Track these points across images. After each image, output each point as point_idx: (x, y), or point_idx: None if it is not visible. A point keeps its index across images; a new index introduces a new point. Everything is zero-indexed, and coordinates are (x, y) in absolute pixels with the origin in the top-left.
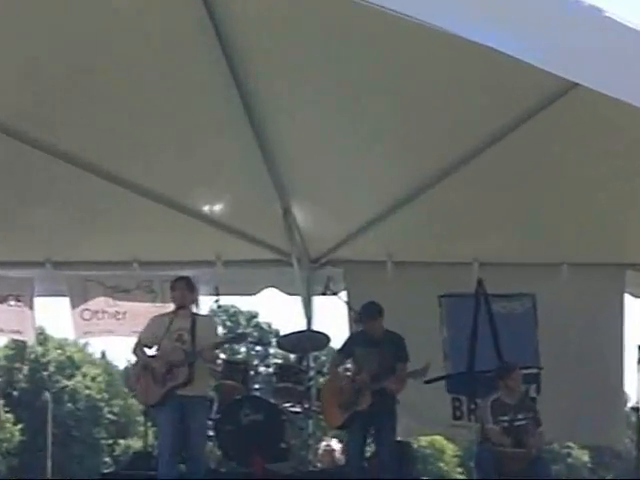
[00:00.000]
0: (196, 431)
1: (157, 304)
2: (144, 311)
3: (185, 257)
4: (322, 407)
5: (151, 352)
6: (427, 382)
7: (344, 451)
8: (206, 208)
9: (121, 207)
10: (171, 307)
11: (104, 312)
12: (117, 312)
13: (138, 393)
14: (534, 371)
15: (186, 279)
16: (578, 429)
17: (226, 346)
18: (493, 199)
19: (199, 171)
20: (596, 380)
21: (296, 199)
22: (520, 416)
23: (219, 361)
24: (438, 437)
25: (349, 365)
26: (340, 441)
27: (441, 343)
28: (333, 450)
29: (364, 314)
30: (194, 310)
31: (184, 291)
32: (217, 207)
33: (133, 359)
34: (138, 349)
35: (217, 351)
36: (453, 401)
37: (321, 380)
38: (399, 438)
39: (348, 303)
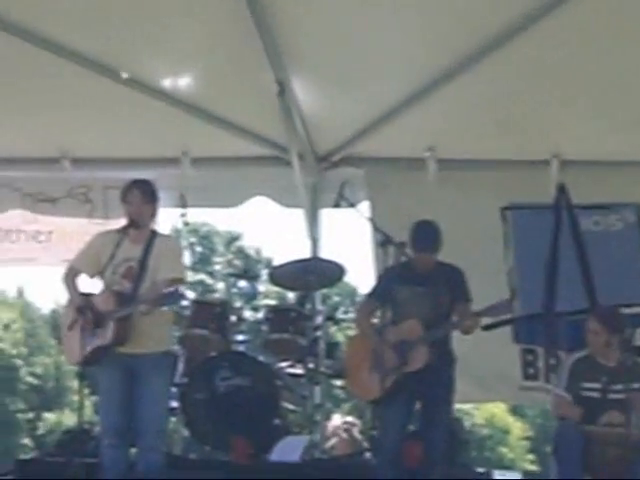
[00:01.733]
0: (150, 403)
1: (96, 220)
2: (77, 230)
3: (137, 153)
4: (348, 373)
5: (92, 285)
6: (486, 328)
7: (364, 430)
8: (167, 82)
9: (46, 80)
10: (117, 224)
11: (20, 232)
12: (38, 232)
13: (63, 346)
14: None
15: (145, 184)
16: None
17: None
18: (575, 74)
19: (157, 30)
20: None
21: (297, 70)
22: (619, 386)
23: (186, 302)
24: (500, 411)
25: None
26: (359, 416)
27: (506, 274)
28: (351, 428)
29: (417, 242)
30: (153, 229)
31: (141, 201)
32: (183, 81)
33: (64, 296)
34: (69, 279)
35: (177, 289)
36: (524, 354)
37: (333, 329)
38: None
39: (373, 220)
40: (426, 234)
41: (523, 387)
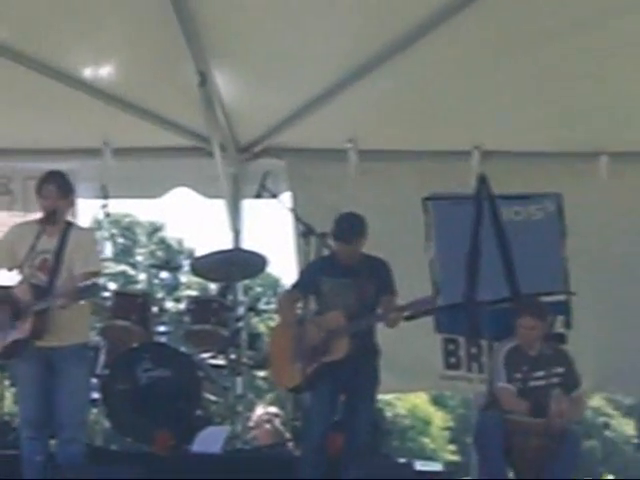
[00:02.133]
0: (69, 395)
1: (15, 212)
2: None
3: (58, 143)
4: (271, 362)
5: (9, 277)
6: (408, 318)
7: (285, 421)
8: (88, 72)
9: None
10: (36, 216)
11: None
12: None
13: None
14: (561, 298)
15: (59, 176)
16: (619, 376)
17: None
18: (498, 64)
19: (77, 19)
20: None
21: (218, 60)
22: (542, 372)
23: (107, 293)
24: (421, 402)
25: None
26: (281, 407)
27: (427, 264)
28: (273, 418)
29: (340, 233)
30: (69, 220)
31: (56, 195)
32: (103, 71)
33: None
34: None
35: (94, 282)
36: (445, 344)
37: (255, 320)
38: None
39: (294, 211)
40: (350, 226)
41: (445, 376)
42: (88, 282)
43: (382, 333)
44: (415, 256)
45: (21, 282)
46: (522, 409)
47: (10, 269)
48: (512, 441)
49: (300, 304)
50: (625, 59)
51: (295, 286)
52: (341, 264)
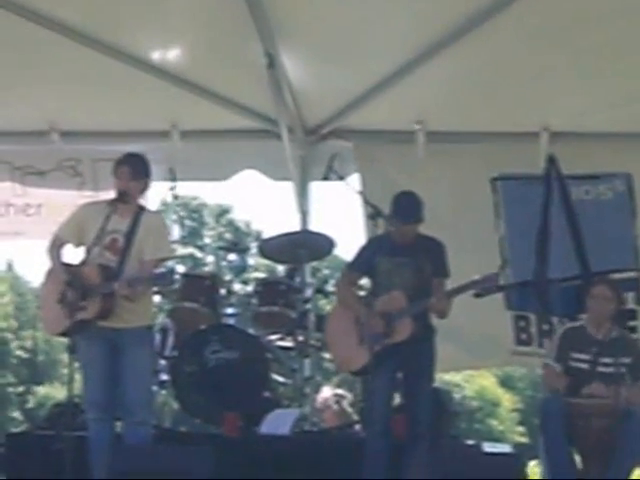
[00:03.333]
0: (132, 375)
1: (85, 193)
2: (66, 203)
3: (126, 126)
4: (329, 343)
5: (75, 255)
6: (478, 295)
7: (354, 402)
8: (156, 55)
9: (35, 53)
10: (106, 197)
11: (9, 205)
12: (28, 205)
13: (42, 314)
14: (632, 275)
15: (134, 158)
16: None
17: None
18: (566, 45)
19: (146, 2)
20: None
21: (286, 42)
22: (608, 359)
23: (177, 276)
24: (489, 384)
25: (364, 283)
26: (348, 389)
27: (497, 243)
28: (341, 400)
29: (398, 213)
30: (141, 204)
31: (130, 177)
32: (172, 53)
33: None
34: (54, 249)
35: (171, 270)
36: (516, 321)
37: (323, 302)
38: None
39: (362, 193)
40: (407, 205)
41: (516, 352)
42: (163, 269)
43: (454, 310)
44: (482, 235)
45: (89, 261)
46: (559, 386)
47: (77, 246)
48: (576, 424)
49: (359, 284)
50: None
51: (351, 266)
52: (397, 243)
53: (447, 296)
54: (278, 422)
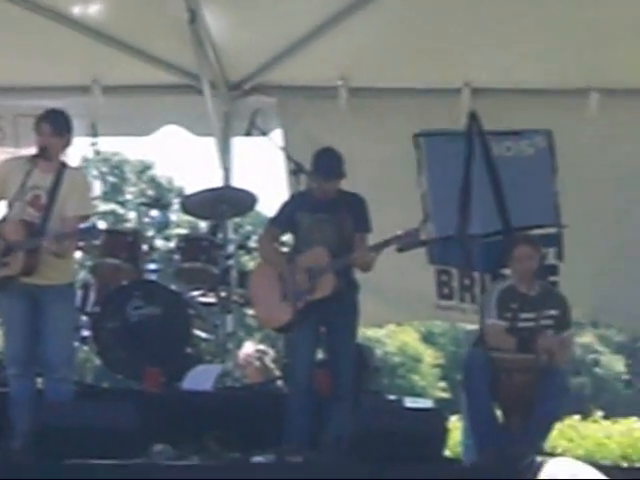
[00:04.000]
0: (53, 332)
1: (5, 149)
2: None
3: (47, 81)
4: (252, 300)
5: None
6: (400, 250)
7: (277, 359)
8: (77, 9)
9: None
10: (28, 152)
11: None
12: None
13: None
14: (552, 231)
15: (55, 114)
16: (610, 307)
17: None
18: (488, 1)
19: None
20: (635, 243)
21: None
22: (533, 314)
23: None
24: (411, 339)
25: (286, 239)
26: (271, 345)
27: (420, 198)
28: (264, 356)
29: (319, 170)
30: (63, 160)
31: (51, 133)
32: (93, 8)
33: None
34: None
35: (94, 225)
36: (439, 275)
37: (246, 258)
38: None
39: (285, 149)
40: (327, 161)
41: (439, 306)
42: (89, 224)
43: (377, 265)
44: (405, 190)
45: (10, 218)
46: (509, 345)
47: None
48: (499, 378)
49: (279, 239)
50: None
51: (273, 222)
52: (319, 199)
53: (371, 250)
54: (200, 378)
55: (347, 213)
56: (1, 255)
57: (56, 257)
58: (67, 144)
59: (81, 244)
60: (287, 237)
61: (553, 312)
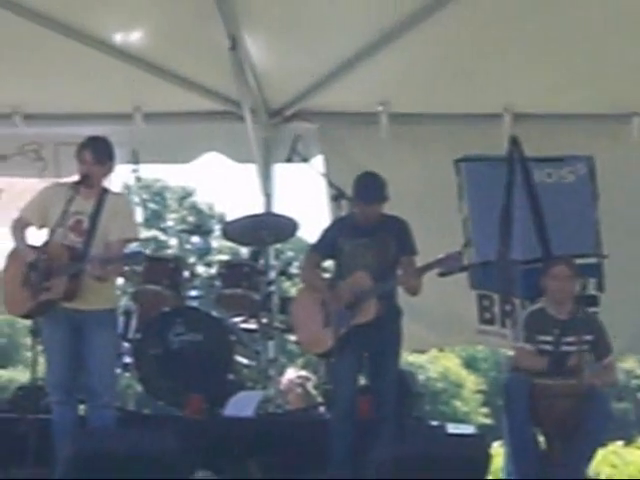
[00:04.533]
0: (95, 359)
1: (47, 179)
2: (27, 189)
3: (89, 109)
4: (295, 325)
5: (38, 236)
6: (442, 275)
7: (318, 385)
8: (119, 38)
9: None
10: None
11: None
12: None
13: (4, 295)
14: (593, 261)
15: (97, 141)
16: None
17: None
18: (530, 26)
19: None
20: None
21: (249, 24)
22: (571, 338)
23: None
24: (453, 365)
25: (328, 265)
26: (312, 371)
27: (461, 224)
28: (305, 382)
29: (361, 194)
30: (105, 186)
31: (92, 162)
32: (135, 36)
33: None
34: (17, 229)
35: (140, 250)
36: (480, 300)
37: (287, 284)
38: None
39: (326, 175)
40: (369, 185)
41: (480, 331)
42: (134, 249)
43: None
44: (446, 216)
45: (53, 242)
46: (539, 366)
47: (40, 227)
48: (539, 404)
49: (323, 266)
50: None
51: (315, 248)
52: (360, 225)
53: (417, 273)
54: (242, 404)
55: (390, 237)
56: (43, 279)
57: (99, 281)
58: (109, 171)
59: (124, 270)
60: (329, 263)
61: (589, 337)
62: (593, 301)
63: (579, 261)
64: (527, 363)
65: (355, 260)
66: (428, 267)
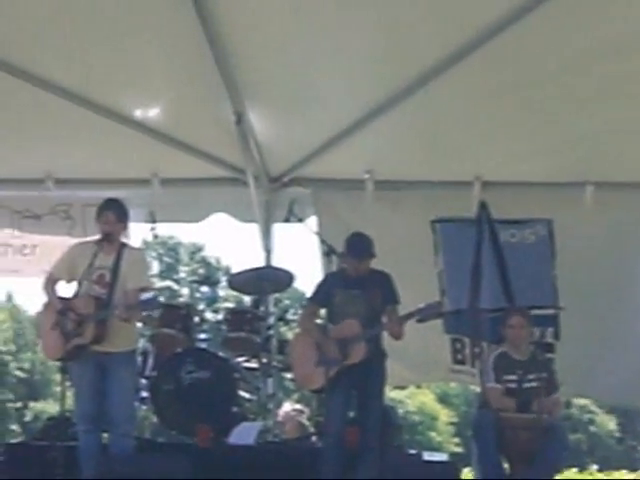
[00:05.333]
0: (117, 393)
1: (75, 237)
2: (58, 245)
3: (112, 174)
4: (292, 365)
5: (67, 290)
6: (420, 321)
7: (311, 417)
8: (139, 112)
9: (32, 111)
10: (93, 237)
11: (8, 245)
12: (24, 245)
13: (41, 342)
14: (551, 312)
15: (116, 203)
16: (601, 384)
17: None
18: (497, 104)
19: (129, 67)
20: (625, 326)
21: (252, 102)
22: (531, 376)
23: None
24: (429, 400)
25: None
26: (306, 405)
27: (436, 277)
28: (299, 414)
29: (352, 251)
30: (123, 241)
31: (114, 220)
32: (153, 111)
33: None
34: (49, 285)
35: (155, 296)
36: (453, 343)
37: (284, 329)
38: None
39: (319, 233)
40: (360, 243)
41: (453, 370)
42: (149, 295)
43: None
44: (423, 270)
45: (81, 294)
46: (509, 406)
47: (68, 282)
48: (505, 435)
49: (319, 314)
50: (610, 98)
51: (311, 299)
52: (351, 277)
53: (401, 320)
54: (244, 433)
55: (377, 289)
56: (75, 327)
57: (126, 322)
58: (126, 227)
59: (143, 315)
60: (322, 311)
61: (543, 375)
62: (550, 348)
63: (538, 312)
64: (498, 404)
65: (346, 308)
66: (411, 315)
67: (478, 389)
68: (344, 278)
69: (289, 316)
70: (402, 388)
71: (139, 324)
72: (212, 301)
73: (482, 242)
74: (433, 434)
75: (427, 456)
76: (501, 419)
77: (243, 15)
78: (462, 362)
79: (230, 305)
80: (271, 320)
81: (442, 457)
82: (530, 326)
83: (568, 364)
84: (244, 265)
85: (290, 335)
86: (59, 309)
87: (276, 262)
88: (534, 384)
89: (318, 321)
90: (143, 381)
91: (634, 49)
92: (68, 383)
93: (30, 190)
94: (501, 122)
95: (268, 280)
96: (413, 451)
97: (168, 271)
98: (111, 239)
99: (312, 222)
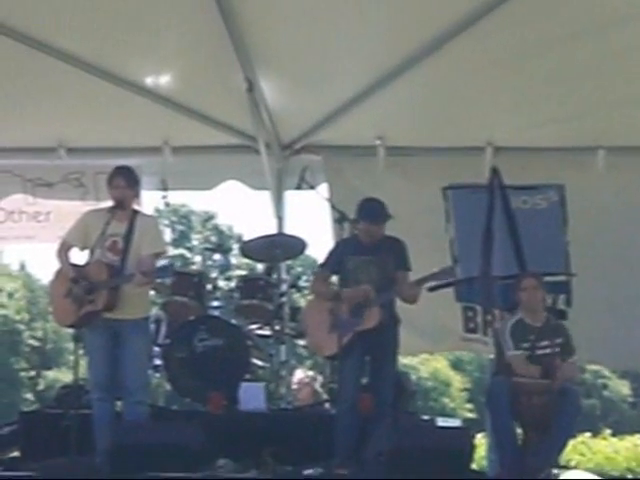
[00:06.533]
0: (131, 361)
1: (88, 202)
2: (72, 211)
3: (124, 142)
4: (306, 331)
5: (80, 257)
6: (431, 289)
7: (324, 383)
8: (150, 80)
9: (44, 79)
10: (106, 204)
11: (22, 212)
12: (38, 212)
13: (53, 308)
14: (563, 279)
15: (127, 170)
16: (614, 350)
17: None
18: (508, 70)
19: (141, 35)
20: (638, 291)
21: (263, 69)
22: (544, 343)
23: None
24: (442, 366)
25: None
26: (319, 372)
27: (448, 244)
28: (312, 381)
29: (365, 216)
30: (136, 208)
31: (124, 186)
32: (164, 79)
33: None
34: (62, 252)
35: (171, 263)
36: (465, 311)
37: (297, 296)
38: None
39: (330, 200)
40: (374, 208)
41: (465, 338)
42: (165, 262)
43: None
44: (434, 237)
45: (94, 261)
46: (533, 373)
47: (82, 249)
48: (519, 400)
49: (331, 280)
50: (621, 64)
51: (323, 265)
52: (363, 243)
53: (416, 284)
54: (251, 396)
55: (389, 255)
56: (87, 293)
57: (139, 287)
58: (137, 195)
59: (157, 282)
60: (334, 278)
61: (559, 340)
62: (562, 315)
63: (550, 279)
64: (523, 372)
65: (359, 274)
66: (424, 279)
67: (491, 355)
68: (356, 245)
69: (301, 283)
70: (414, 355)
71: (152, 292)
72: (225, 269)
73: (494, 208)
74: (446, 400)
75: (440, 422)
76: (516, 384)
77: None
78: (474, 331)
79: (242, 273)
80: (284, 287)
81: (455, 423)
82: (543, 289)
83: (580, 330)
84: (256, 233)
85: (303, 302)
86: (72, 276)
87: (288, 229)
88: (547, 350)
89: (331, 287)
90: (156, 349)
91: None
92: (81, 351)
93: (42, 159)
94: (512, 88)
95: (280, 247)
96: (426, 417)
97: (180, 239)
98: (123, 206)
99: (323, 189)
